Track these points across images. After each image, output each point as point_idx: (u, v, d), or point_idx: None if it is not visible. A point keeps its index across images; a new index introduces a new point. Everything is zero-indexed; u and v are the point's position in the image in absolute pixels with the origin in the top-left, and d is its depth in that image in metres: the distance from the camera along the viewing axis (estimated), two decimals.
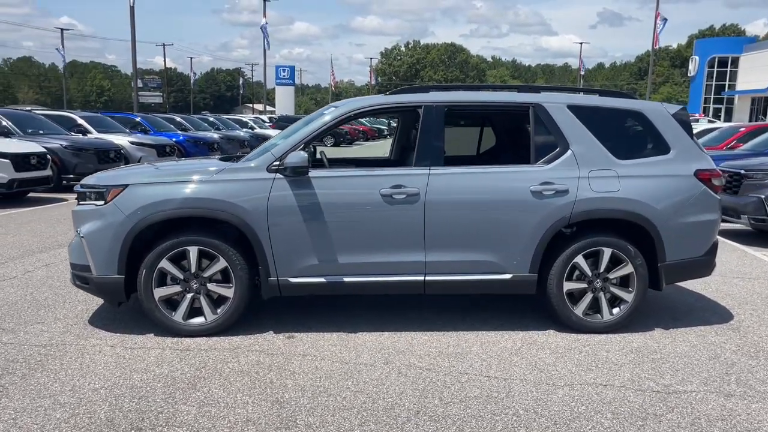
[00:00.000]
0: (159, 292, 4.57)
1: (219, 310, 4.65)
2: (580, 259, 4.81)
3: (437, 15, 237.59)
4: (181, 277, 4.58)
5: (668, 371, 4.16)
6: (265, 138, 24.10)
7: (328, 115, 4.86)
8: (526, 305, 5.47)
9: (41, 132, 14.20)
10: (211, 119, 28.21)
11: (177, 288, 4.61)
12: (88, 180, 4.84)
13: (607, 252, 4.81)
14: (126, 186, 4.54)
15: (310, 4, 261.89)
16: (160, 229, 4.59)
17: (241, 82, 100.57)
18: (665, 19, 43.53)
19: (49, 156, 12.08)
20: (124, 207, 4.47)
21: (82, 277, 4.64)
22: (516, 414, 3.51)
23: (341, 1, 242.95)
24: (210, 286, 4.63)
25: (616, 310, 4.92)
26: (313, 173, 4.65)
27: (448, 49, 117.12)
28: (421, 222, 4.65)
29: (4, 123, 13.65)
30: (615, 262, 4.87)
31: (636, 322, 5.07)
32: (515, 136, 6.00)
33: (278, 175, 4.60)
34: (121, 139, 15.93)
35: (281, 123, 34.22)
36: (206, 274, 4.60)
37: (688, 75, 62.84)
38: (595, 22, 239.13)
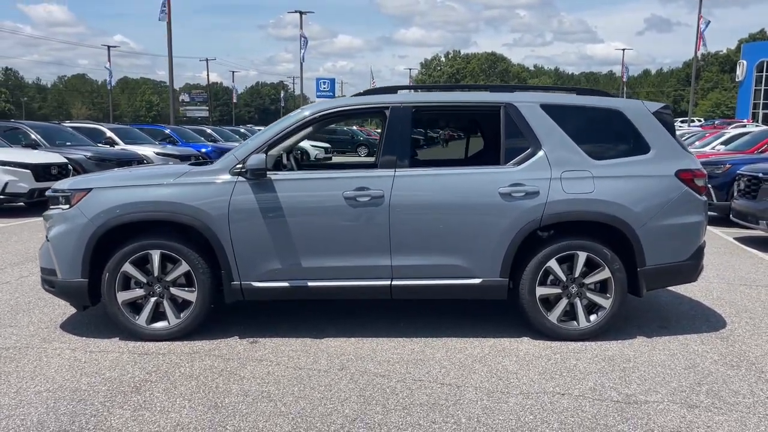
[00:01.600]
0: (122, 296, 4.58)
1: (182, 315, 4.63)
2: (553, 264, 4.62)
3: (481, 25, 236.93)
4: (145, 281, 4.58)
5: (635, 380, 3.94)
6: (297, 149, 24.39)
7: (292, 117, 4.81)
8: (506, 311, 5.29)
9: (68, 144, 14.63)
10: (242, 130, 28.69)
11: (140, 292, 4.61)
12: (60, 184, 4.90)
13: (582, 256, 4.61)
14: (90, 190, 4.58)
15: (353, 17, 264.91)
16: (124, 233, 4.60)
17: (282, 95, 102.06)
18: (708, 21, 42.31)
19: (70, 166, 12.40)
20: (88, 211, 4.50)
21: (49, 281, 4.69)
22: (457, 422, 3.36)
23: (384, 13, 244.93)
24: (173, 290, 4.61)
25: (593, 317, 4.70)
26: (276, 176, 4.61)
27: (488, 59, 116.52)
28: (386, 225, 4.55)
29: (32, 136, 14.11)
30: (591, 267, 4.66)
31: (618, 330, 4.84)
32: (489, 138, 5.84)
33: (240, 178, 4.57)
34: (147, 150, 16.30)
35: (317, 134, 34.53)
36: (169, 278, 4.59)
37: (736, 80, 60.87)
38: (643, 29, 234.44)
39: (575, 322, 4.69)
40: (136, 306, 4.65)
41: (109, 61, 55.25)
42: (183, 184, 4.56)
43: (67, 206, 4.59)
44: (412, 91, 5.16)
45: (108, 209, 4.48)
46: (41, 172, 11.58)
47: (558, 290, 4.68)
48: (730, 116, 62.50)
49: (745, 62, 57.10)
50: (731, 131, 17.92)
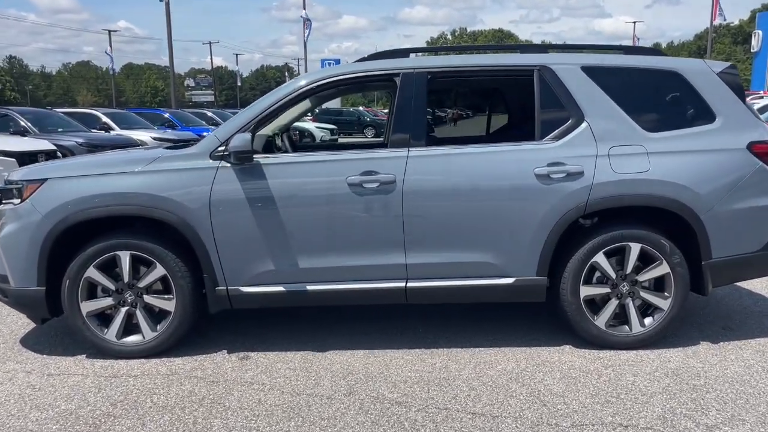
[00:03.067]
0: (87, 307, 3.85)
1: (159, 327, 3.90)
2: (600, 258, 3.84)
3: (486, 2, 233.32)
4: (113, 288, 3.85)
5: (713, 405, 3.18)
6: (302, 131, 23.55)
7: (285, 89, 4.02)
8: (539, 313, 4.52)
9: (60, 130, 13.89)
10: None
11: (108, 301, 3.87)
12: (15, 174, 4.15)
13: (635, 248, 3.83)
14: (44, 180, 3.83)
15: None
16: (87, 232, 3.86)
17: (287, 77, 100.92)
18: None
19: (59, 153, 11.66)
20: (42, 205, 3.75)
21: (1, 290, 3.96)
22: None
23: None
24: (147, 298, 3.87)
25: (648, 321, 3.93)
26: (266, 160, 3.84)
27: (495, 35, 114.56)
28: (399, 215, 3.78)
29: (21, 122, 13.37)
30: (646, 261, 3.88)
31: (675, 335, 4.08)
32: (520, 109, 5.04)
33: (223, 163, 3.81)
34: (144, 135, 15.53)
35: (322, 116, 33.63)
36: (142, 284, 3.85)
37: (751, 51, 59.22)
38: (651, 2, 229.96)
39: (627, 327, 3.93)
40: (104, 318, 3.92)
41: (110, 46, 54.41)
42: (154, 171, 3.81)
43: (19, 201, 3.85)
44: (427, 54, 4.36)
45: (66, 203, 3.73)
46: (27, 160, 10.81)
47: (606, 289, 3.90)
48: (745, 88, 60.91)
49: (760, 32, 55.02)
50: (757, 102, 16.93)
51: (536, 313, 4.51)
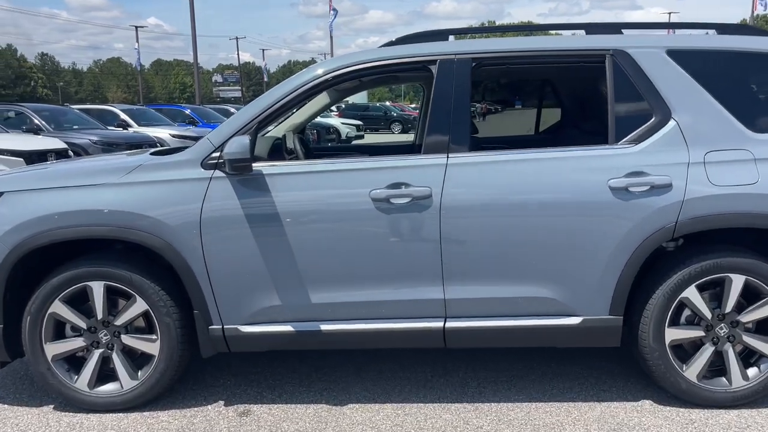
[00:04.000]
0: (53, 349, 3.14)
1: (141, 374, 3.18)
2: (692, 293, 3.02)
3: None
4: (84, 326, 3.14)
5: None
6: (326, 127, 22.81)
7: (297, 79, 3.25)
8: (610, 358, 3.71)
9: (75, 127, 13.39)
10: None
11: (79, 342, 3.16)
12: None
13: (737, 281, 3.00)
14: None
15: None
16: (52, 258, 3.16)
17: None
18: None
19: (71, 152, 11.11)
20: None
21: None
22: None
23: None
24: (126, 338, 3.16)
25: (752, 372, 3.09)
26: (270, 169, 3.09)
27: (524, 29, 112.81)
28: (435, 239, 3.00)
29: (35, 120, 12.88)
30: (751, 297, 3.05)
31: None
32: (587, 104, 4.22)
33: (217, 173, 3.07)
34: (163, 132, 14.96)
35: (348, 111, 32.91)
36: (120, 322, 3.14)
37: None
38: None
39: (725, 380, 3.10)
40: (74, 362, 3.21)
41: (138, 42, 54.39)
42: (133, 184, 3.08)
43: None
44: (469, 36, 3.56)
45: (23, 224, 3.03)
46: (36, 159, 10.28)
47: (699, 332, 3.08)
48: None
49: None
50: None
51: (604, 356, 3.69)
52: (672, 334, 3.06)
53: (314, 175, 3.11)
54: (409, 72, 3.46)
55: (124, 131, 14.36)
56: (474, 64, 3.16)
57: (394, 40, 3.48)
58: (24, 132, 12.17)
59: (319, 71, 3.21)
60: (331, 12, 40.25)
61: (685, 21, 3.39)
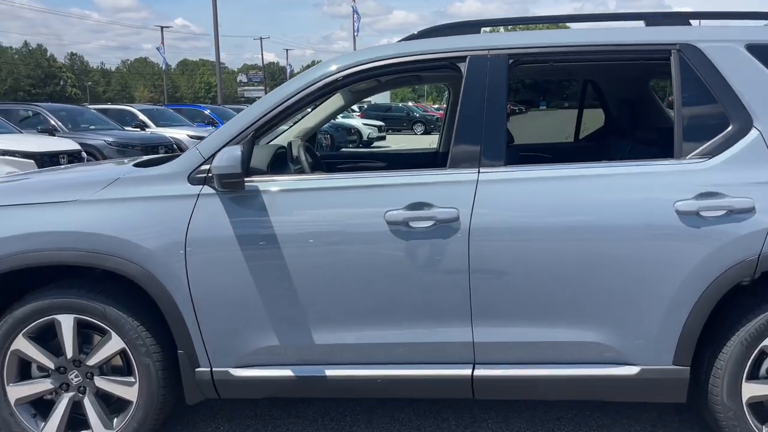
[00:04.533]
0: (16, 391, 2.71)
1: (117, 422, 2.73)
2: None
3: None
4: (53, 365, 2.70)
5: None
6: (347, 128, 22.38)
7: (306, 77, 2.76)
8: (664, 410, 3.16)
9: (92, 128, 13.15)
10: None
11: (46, 384, 2.72)
12: None
13: None
14: None
15: None
16: (13, 288, 2.72)
17: None
18: None
19: (84, 154, 10.80)
20: None
21: None
22: None
23: None
24: (99, 381, 2.71)
25: None
26: (267, 183, 2.62)
27: (549, 28, 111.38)
28: (463, 270, 2.50)
29: (51, 121, 12.63)
30: None
31: None
32: (639, 108, 3.68)
33: (206, 189, 2.60)
34: (180, 133, 14.67)
35: (370, 111, 32.48)
36: (92, 362, 2.69)
37: None
38: None
39: None
40: (42, 406, 2.77)
41: (162, 42, 54.59)
42: (109, 201, 2.63)
43: None
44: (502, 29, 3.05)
45: None
46: (47, 161, 10.00)
47: None
48: None
49: None
50: None
51: (662, 411, 3.14)
52: (751, 390, 2.52)
53: (319, 193, 2.63)
54: (434, 71, 2.99)
55: (141, 132, 14.09)
56: (511, 61, 2.65)
57: (416, 33, 2.98)
58: (39, 132, 11.93)
59: (333, 68, 2.71)
60: (355, 15, 39.88)
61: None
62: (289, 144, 3.36)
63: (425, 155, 4.40)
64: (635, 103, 3.81)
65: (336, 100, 3.97)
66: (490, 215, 2.50)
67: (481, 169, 2.55)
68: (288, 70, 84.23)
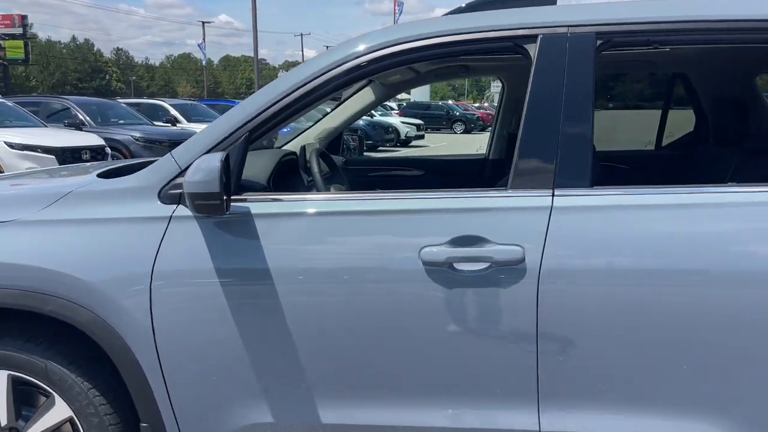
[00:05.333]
0: None
1: None
2: None
3: None
4: None
5: None
6: (384, 126, 21.67)
7: (326, 59, 2.04)
8: None
9: (120, 122, 12.77)
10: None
11: None
12: None
13: None
14: None
15: None
16: None
17: None
18: None
19: (108, 149, 10.37)
20: None
21: None
22: None
23: None
24: None
25: None
26: (262, 205, 1.93)
27: None
28: (528, 332, 1.78)
29: (80, 116, 12.27)
30: None
31: None
32: (752, 111, 2.89)
33: (182, 209, 1.93)
34: None
35: (409, 110, 31.74)
36: (31, 431, 2.05)
37: None
38: None
39: None
40: None
41: (204, 37, 54.89)
42: (52, 223, 1.98)
43: None
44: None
45: None
46: (69, 157, 9.58)
47: None
48: None
49: None
50: None
51: None
52: None
53: (330, 219, 1.93)
54: (489, 56, 2.25)
55: (171, 127, 13.67)
56: (600, 42, 1.91)
57: (463, 6, 2.24)
58: (65, 126, 11.57)
59: (360, 47, 1.98)
60: (397, 8, 39.08)
61: None
62: (302, 149, 2.67)
63: (472, 163, 3.66)
64: (739, 104, 3.02)
65: (365, 95, 3.28)
66: (570, 257, 1.77)
67: (557, 191, 1.82)
68: None
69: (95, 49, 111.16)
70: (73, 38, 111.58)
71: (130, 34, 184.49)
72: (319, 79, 1.98)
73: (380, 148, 19.93)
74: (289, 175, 2.50)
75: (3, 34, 28.65)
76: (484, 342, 1.83)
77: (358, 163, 3.59)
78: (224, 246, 1.90)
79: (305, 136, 3.31)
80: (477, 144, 20.08)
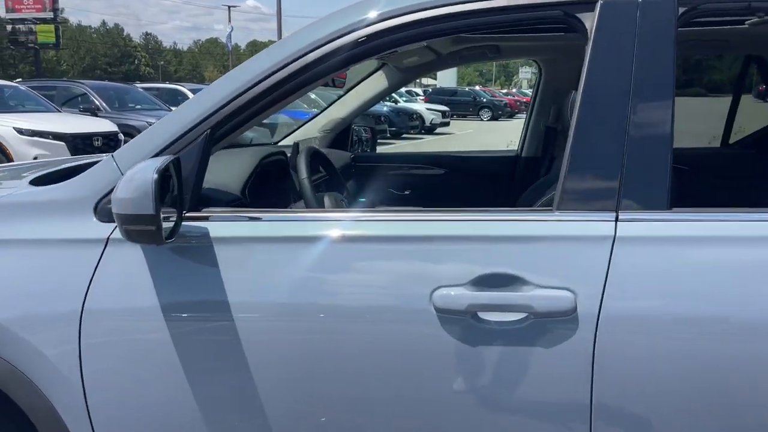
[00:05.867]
0: None
1: None
2: None
3: None
4: None
5: None
6: (408, 113, 21.05)
7: (300, 38, 1.56)
8: None
9: (138, 108, 12.49)
10: None
11: None
12: None
13: None
14: None
15: None
16: None
17: None
18: None
19: (121, 135, 10.03)
20: None
21: None
22: None
23: None
24: None
25: None
26: (224, 227, 1.47)
27: None
28: (581, 402, 1.29)
29: (96, 101, 11.97)
30: None
31: None
32: None
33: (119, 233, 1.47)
34: None
35: (434, 96, 31.02)
36: None
37: None
38: None
39: None
40: None
41: (229, 20, 54.72)
42: None
43: None
44: None
45: None
46: (79, 143, 9.25)
47: None
48: None
49: None
50: None
51: None
52: None
53: (314, 246, 1.44)
54: (533, 26, 1.73)
55: None
56: (683, 9, 1.39)
57: None
58: (80, 112, 11.29)
59: (372, 14, 1.47)
60: None
61: None
62: (296, 146, 2.18)
63: (501, 161, 3.12)
64: None
65: (377, 80, 2.79)
66: (641, 307, 1.27)
67: (622, 215, 1.32)
68: None
69: (125, 33, 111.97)
70: (103, 23, 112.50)
71: (159, 18, 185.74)
72: (315, 53, 1.49)
73: (404, 135, 19.38)
74: (276, 182, 2.03)
75: (34, 19, 28.66)
76: (517, 420, 1.34)
77: (368, 160, 3.10)
78: (174, 276, 1.44)
79: (307, 128, 2.85)
80: (504, 132, 19.43)
